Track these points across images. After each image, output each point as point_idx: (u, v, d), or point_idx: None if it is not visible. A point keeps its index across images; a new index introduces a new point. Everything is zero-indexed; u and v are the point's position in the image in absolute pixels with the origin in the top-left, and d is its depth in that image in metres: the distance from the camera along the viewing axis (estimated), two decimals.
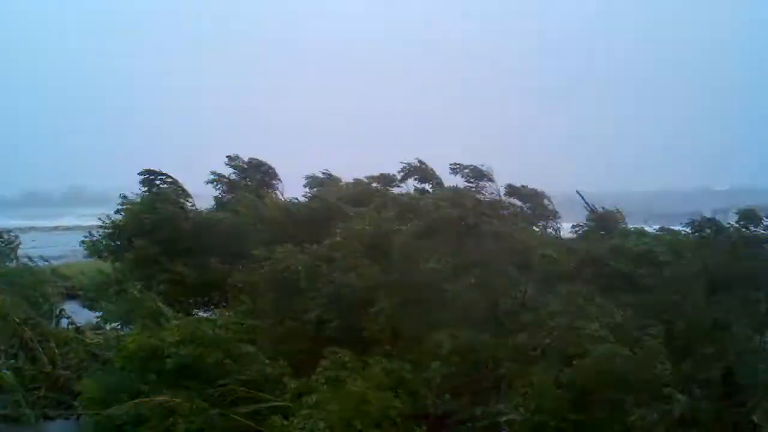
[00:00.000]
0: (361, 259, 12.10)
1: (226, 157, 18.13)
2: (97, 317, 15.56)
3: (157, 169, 16.82)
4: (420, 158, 16.37)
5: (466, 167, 14.31)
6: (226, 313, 13.28)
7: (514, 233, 12.35)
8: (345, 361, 9.93)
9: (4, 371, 13.74)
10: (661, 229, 14.66)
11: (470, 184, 14.18)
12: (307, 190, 17.97)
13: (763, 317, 13.00)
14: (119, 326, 13.97)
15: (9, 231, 23.03)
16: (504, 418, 9.66)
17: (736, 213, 13.35)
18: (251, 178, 17.89)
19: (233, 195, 17.33)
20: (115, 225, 16.32)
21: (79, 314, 17.84)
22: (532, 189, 14.79)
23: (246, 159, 18.23)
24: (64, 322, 17.49)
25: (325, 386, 9.66)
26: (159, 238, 15.62)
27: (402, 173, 16.42)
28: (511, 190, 14.62)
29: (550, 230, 15.45)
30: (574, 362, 9.90)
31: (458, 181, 14.39)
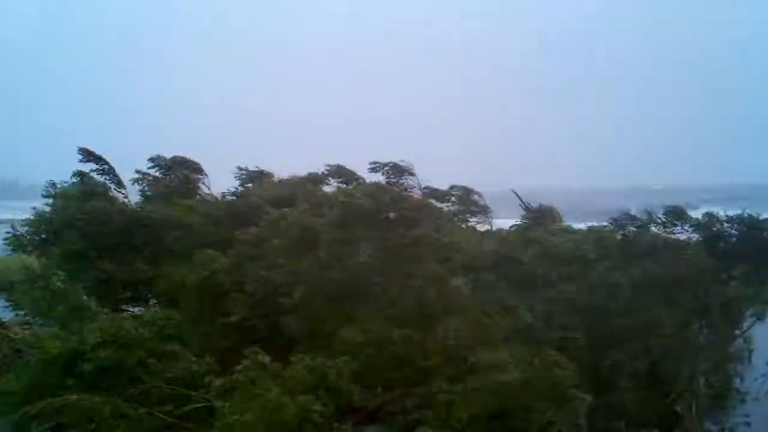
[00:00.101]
0: (285, 255, 11.96)
1: (149, 159, 17.74)
2: (18, 314, 14.98)
3: (94, 151, 16.35)
4: (341, 162, 16.32)
5: (386, 164, 14.30)
6: (153, 309, 12.96)
7: (434, 228, 12.33)
8: (264, 363, 9.77)
9: None
10: (590, 226, 14.95)
11: (392, 180, 14.14)
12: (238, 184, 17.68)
13: (686, 313, 13.44)
14: (40, 323, 13.50)
15: None
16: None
17: (663, 211, 13.69)
18: (175, 175, 17.43)
19: (155, 193, 16.93)
20: (41, 217, 15.70)
21: (6, 310, 17.16)
22: (462, 186, 14.92)
23: (169, 157, 17.77)
24: None
25: (242, 391, 9.47)
26: (88, 232, 15.11)
27: (326, 174, 16.26)
28: (430, 190, 14.65)
29: (485, 226, 15.69)
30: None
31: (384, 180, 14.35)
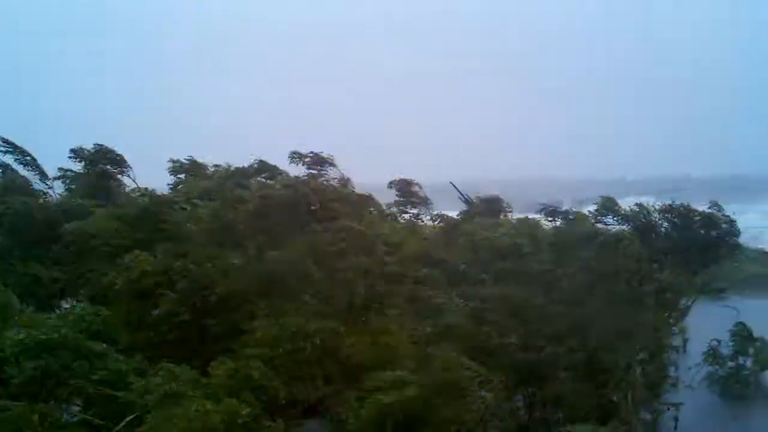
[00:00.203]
0: (212, 251, 11.66)
1: (70, 150, 17.04)
2: None
3: (14, 142, 15.71)
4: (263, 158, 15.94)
5: (306, 156, 14.09)
6: (79, 306, 12.45)
7: (357, 220, 12.18)
8: (178, 375, 9.44)
9: None
10: (523, 219, 15.05)
11: (313, 172, 13.93)
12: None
13: (621, 303, 13.62)
14: None
15: None
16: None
17: (596, 203, 13.88)
18: (94, 171, 16.82)
19: (75, 191, 16.36)
20: None
21: None
22: (402, 178, 14.86)
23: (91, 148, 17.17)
24: None
25: (164, 405, 9.12)
26: (9, 229, 14.50)
27: (251, 169, 15.93)
28: (344, 181, 14.49)
29: (426, 219, 15.68)
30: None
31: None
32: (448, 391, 9.22)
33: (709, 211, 13.68)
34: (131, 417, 9.47)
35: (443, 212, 16.11)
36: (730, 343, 17.83)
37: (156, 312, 11.62)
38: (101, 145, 17.18)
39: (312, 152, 14.06)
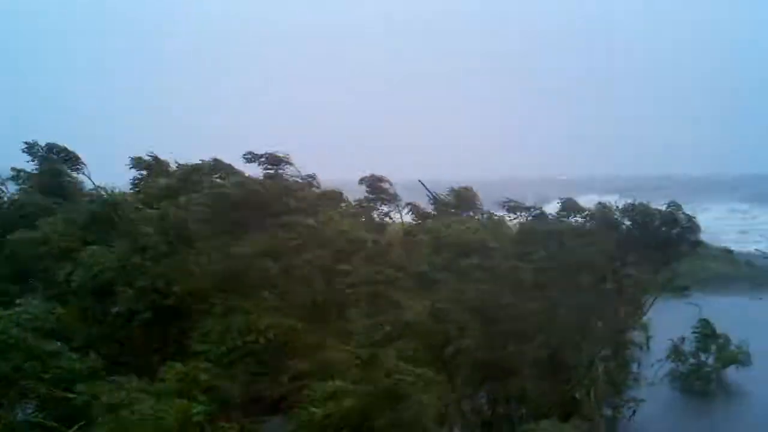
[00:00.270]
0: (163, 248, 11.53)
1: (24, 143, 16.73)
2: None
3: None
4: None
5: (261, 155, 13.96)
6: (32, 303, 12.19)
7: (317, 217, 12.12)
8: (124, 385, 9.31)
9: None
10: (489, 215, 15.06)
11: (268, 170, 13.82)
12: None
13: (585, 300, 13.72)
14: None
15: None
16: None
17: (559, 202, 13.96)
18: (48, 166, 16.46)
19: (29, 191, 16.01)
20: None
21: None
22: (373, 174, 14.82)
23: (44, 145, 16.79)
24: None
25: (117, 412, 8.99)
26: None
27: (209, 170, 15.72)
28: (308, 178, 14.40)
29: (395, 216, 15.65)
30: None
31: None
32: (385, 398, 9.16)
33: (668, 209, 13.82)
34: (82, 423, 9.37)
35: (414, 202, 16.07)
36: (693, 341, 18.16)
37: (115, 309, 11.44)
38: (54, 143, 16.80)
39: (267, 152, 13.91)
